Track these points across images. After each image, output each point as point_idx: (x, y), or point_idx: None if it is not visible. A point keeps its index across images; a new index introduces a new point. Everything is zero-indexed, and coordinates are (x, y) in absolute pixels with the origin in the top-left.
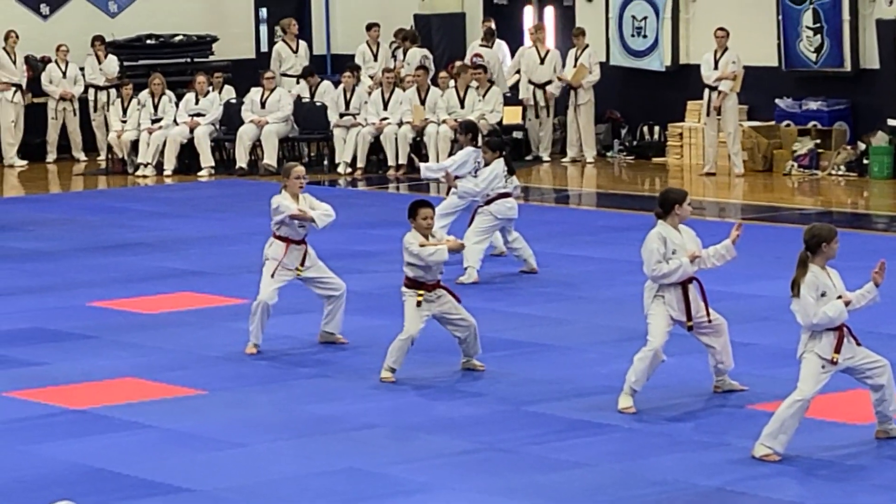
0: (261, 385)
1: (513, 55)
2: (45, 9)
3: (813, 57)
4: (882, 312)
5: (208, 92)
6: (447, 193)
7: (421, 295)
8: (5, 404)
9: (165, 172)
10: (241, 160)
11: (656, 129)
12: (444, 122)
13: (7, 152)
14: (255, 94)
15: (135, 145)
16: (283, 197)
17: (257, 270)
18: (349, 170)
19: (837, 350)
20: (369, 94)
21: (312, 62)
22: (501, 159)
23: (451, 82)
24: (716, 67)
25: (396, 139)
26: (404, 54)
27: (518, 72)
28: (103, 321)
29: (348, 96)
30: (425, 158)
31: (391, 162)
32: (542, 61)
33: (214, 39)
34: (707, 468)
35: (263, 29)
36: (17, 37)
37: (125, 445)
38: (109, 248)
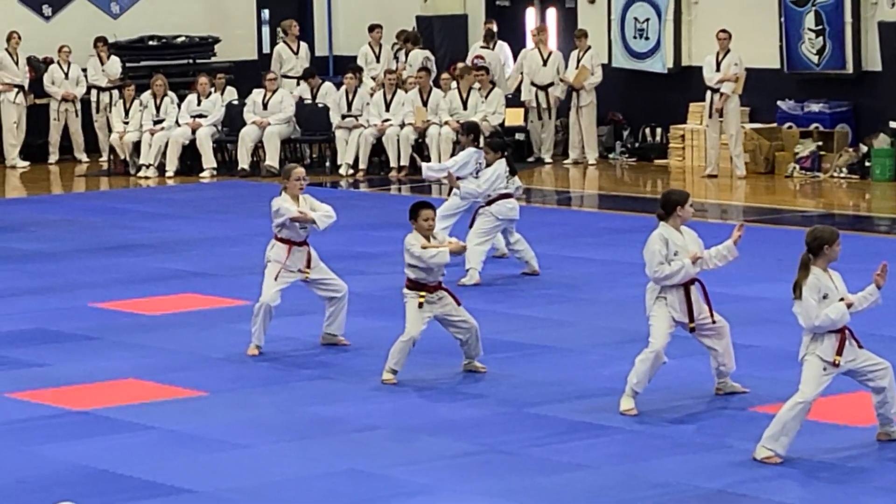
0: (263, 386)
1: (515, 57)
2: (47, 10)
3: (815, 59)
4: (884, 315)
5: (210, 93)
6: (448, 195)
7: (423, 296)
8: (7, 405)
9: (167, 174)
10: (243, 161)
11: (658, 130)
12: (446, 123)
13: (9, 153)
14: (257, 95)
15: (137, 146)
16: (284, 199)
17: (259, 272)
18: (351, 171)
19: (839, 352)
20: (371, 95)
21: (314, 63)
22: (503, 160)
23: (453, 84)
24: (718, 69)
25: (398, 141)
26: (406, 56)
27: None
28: (105, 322)
29: (350, 98)
30: (427, 159)
31: (393, 163)
32: (545, 63)
33: (216, 41)
34: (709, 470)
35: (265, 30)
36: (19, 38)
37: (127, 446)
38: (111, 249)
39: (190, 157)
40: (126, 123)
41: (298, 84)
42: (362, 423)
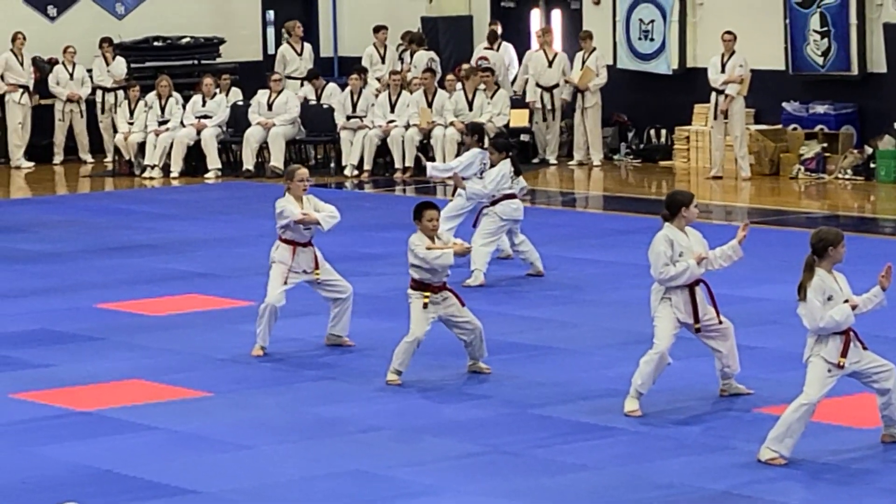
0: (267, 387)
1: (520, 58)
2: (52, 10)
3: (820, 61)
4: (889, 316)
5: (215, 94)
6: (452, 195)
7: (427, 297)
8: (12, 406)
9: (172, 174)
10: (248, 162)
11: (663, 132)
12: (451, 124)
13: (14, 154)
14: (262, 96)
15: (141, 147)
16: (287, 200)
17: (264, 273)
18: (356, 172)
19: (844, 354)
20: (376, 96)
21: (320, 64)
22: (508, 160)
23: (458, 85)
24: (723, 71)
25: (403, 142)
26: (411, 57)
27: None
28: (110, 323)
29: (355, 99)
30: (432, 160)
31: (398, 164)
32: (550, 64)
33: (221, 41)
34: (713, 472)
35: (270, 31)
36: (24, 38)
37: (131, 447)
38: (116, 249)
39: (195, 158)
40: (131, 124)
41: (302, 85)
42: (366, 423)
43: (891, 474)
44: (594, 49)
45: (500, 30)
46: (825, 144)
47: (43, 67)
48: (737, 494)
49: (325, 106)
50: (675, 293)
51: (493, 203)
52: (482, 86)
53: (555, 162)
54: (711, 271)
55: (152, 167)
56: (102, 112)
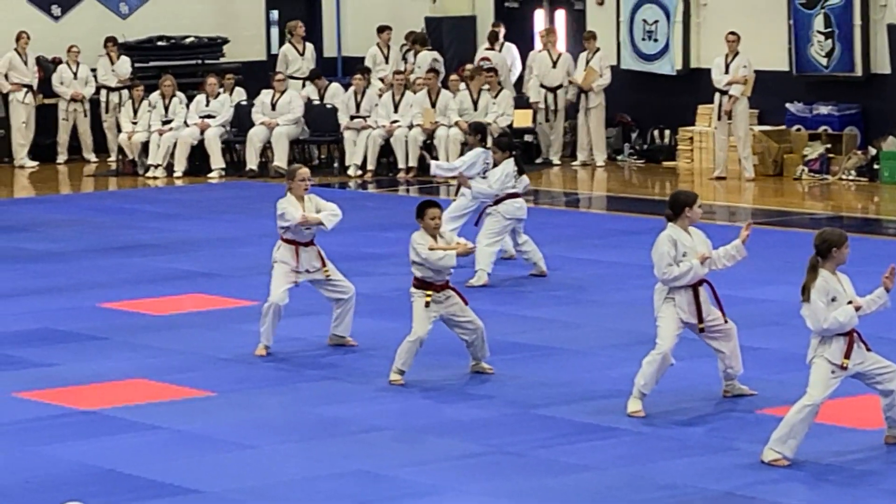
0: (270, 387)
1: (522, 58)
2: (56, 10)
3: (824, 61)
4: (892, 318)
5: (219, 94)
6: (455, 195)
7: (429, 295)
8: (15, 405)
9: (176, 174)
10: (252, 162)
11: (667, 132)
12: (455, 124)
13: (18, 153)
14: (265, 95)
15: (145, 147)
16: (288, 201)
17: (267, 272)
18: (359, 172)
19: (847, 355)
20: (380, 96)
21: (323, 64)
22: (511, 159)
23: (462, 85)
24: (727, 71)
25: (407, 142)
26: (415, 57)
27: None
28: (113, 322)
29: (359, 99)
30: (436, 159)
31: (401, 164)
32: (554, 65)
33: (225, 41)
34: (716, 472)
35: (274, 31)
36: (28, 38)
37: (134, 446)
38: (119, 249)
39: (198, 158)
40: (135, 123)
41: (304, 86)
42: (369, 423)
43: (894, 476)
44: (598, 49)
45: (502, 31)
46: (829, 145)
47: (47, 67)
48: (740, 495)
49: (328, 106)
50: (679, 293)
51: (497, 202)
52: (486, 86)
53: (558, 162)
54: (715, 271)
55: (156, 167)
56: (107, 111)
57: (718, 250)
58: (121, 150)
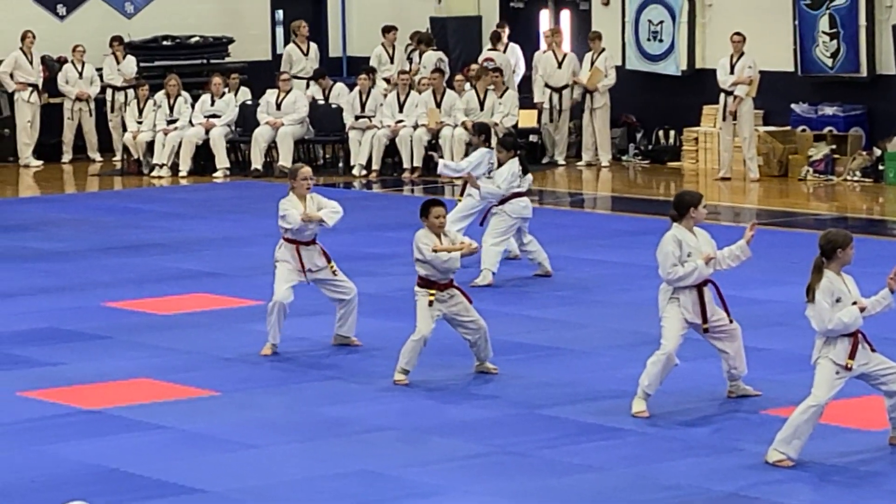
0: (274, 387)
1: (527, 58)
2: (61, 9)
3: (829, 62)
4: None
5: (224, 93)
6: (460, 195)
7: (433, 294)
8: (20, 404)
9: (181, 173)
10: (257, 162)
11: (672, 133)
12: (462, 124)
13: (23, 152)
14: (270, 95)
15: (150, 146)
16: (290, 202)
17: (272, 272)
18: (364, 172)
19: (852, 356)
20: (385, 96)
21: (329, 64)
22: (516, 158)
23: (467, 85)
24: (732, 72)
25: (411, 142)
26: (420, 57)
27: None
28: (118, 322)
29: (364, 99)
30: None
31: (406, 164)
32: (560, 65)
33: (230, 41)
34: (720, 473)
35: (279, 31)
36: (33, 37)
37: (138, 446)
38: (124, 248)
39: (203, 157)
40: (140, 123)
41: (308, 86)
42: (373, 423)
43: None
44: (603, 50)
45: (506, 31)
46: (834, 146)
47: (52, 66)
48: (744, 496)
49: (333, 106)
50: (684, 293)
51: (502, 202)
52: (491, 86)
53: (563, 162)
54: (719, 272)
55: (161, 166)
56: (112, 111)
57: (723, 251)
58: (126, 149)
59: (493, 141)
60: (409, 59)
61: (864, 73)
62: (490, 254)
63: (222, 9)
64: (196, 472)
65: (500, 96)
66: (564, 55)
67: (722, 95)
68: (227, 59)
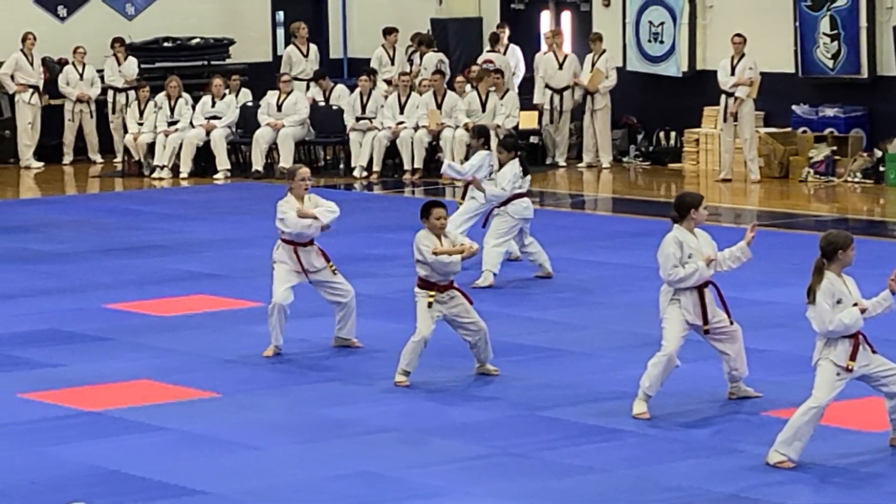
0: (275, 388)
1: (527, 60)
2: (62, 11)
3: (830, 64)
4: None
5: (225, 95)
6: (461, 198)
7: (432, 296)
8: (21, 406)
9: (181, 175)
10: (258, 163)
11: (672, 134)
12: (464, 125)
13: (24, 154)
14: (271, 97)
15: (151, 148)
16: (288, 203)
17: (271, 273)
18: (365, 173)
19: (853, 357)
20: (385, 98)
21: (329, 66)
22: (516, 159)
23: (468, 87)
24: (732, 73)
25: (412, 143)
26: (420, 58)
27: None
28: (118, 323)
29: (365, 100)
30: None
31: (407, 166)
32: (561, 66)
33: (231, 42)
34: (721, 475)
35: (280, 32)
36: (34, 39)
37: (140, 447)
38: (125, 250)
39: (204, 159)
40: (140, 124)
41: (308, 87)
42: (374, 425)
43: None
44: (604, 51)
45: (506, 33)
46: (834, 147)
47: (53, 68)
48: (745, 497)
49: (334, 107)
50: (685, 295)
51: (504, 203)
52: (492, 87)
53: (564, 164)
54: (720, 273)
55: (161, 168)
56: (114, 112)
57: (724, 252)
58: (126, 150)
59: (492, 144)
60: (410, 61)
61: (864, 74)
62: (491, 255)
63: (223, 10)
64: (197, 473)
65: (501, 98)
66: (565, 56)
67: (723, 97)
68: (228, 61)
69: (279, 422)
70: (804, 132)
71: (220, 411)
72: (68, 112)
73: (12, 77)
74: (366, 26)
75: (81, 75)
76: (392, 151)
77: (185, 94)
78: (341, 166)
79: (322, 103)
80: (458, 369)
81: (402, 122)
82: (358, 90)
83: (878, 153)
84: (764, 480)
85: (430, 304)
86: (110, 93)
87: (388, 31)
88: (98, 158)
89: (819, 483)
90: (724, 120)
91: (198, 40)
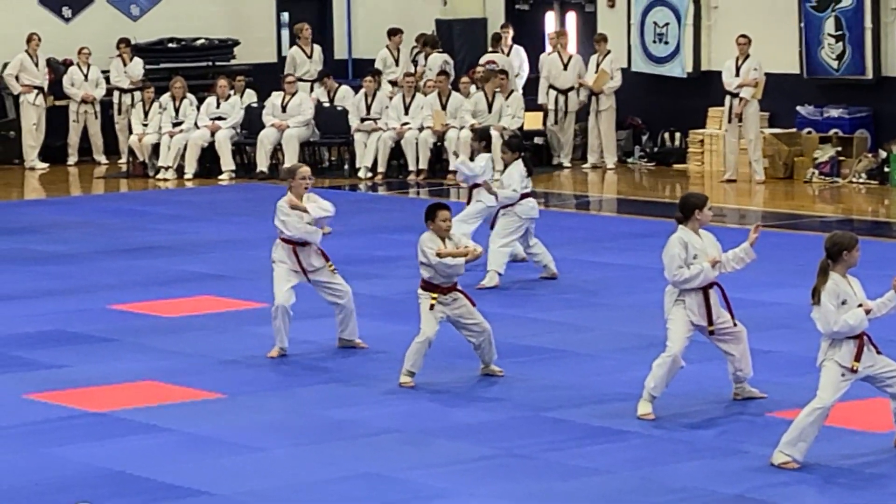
0: (279, 389)
1: (531, 61)
2: (67, 12)
3: (835, 64)
4: None
5: (229, 96)
6: (468, 201)
7: (434, 298)
8: (26, 407)
9: (186, 176)
10: (262, 164)
11: (677, 135)
12: (470, 126)
13: (28, 155)
14: (276, 97)
15: (156, 148)
16: (289, 202)
17: (271, 274)
18: (370, 174)
19: (857, 358)
20: (390, 98)
21: (334, 66)
22: (520, 160)
23: (473, 87)
24: (737, 74)
25: (417, 144)
26: (425, 59)
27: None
28: (123, 324)
29: (369, 101)
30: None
31: (412, 167)
32: (566, 67)
33: (236, 43)
34: (726, 476)
35: (285, 33)
36: (39, 39)
37: (144, 448)
38: (130, 251)
39: (209, 160)
40: (145, 125)
41: (312, 88)
42: (378, 426)
43: None
44: (609, 52)
45: (510, 34)
46: (839, 148)
47: (57, 68)
48: (750, 498)
49: (338, 108)
50: (689, 295)
51: (511, 203)
52: (498, 88)
53: (569, 165)
54: (725, 274)
55: (166, 168)
56: (119, 113)
57: (727, 253)
58: (131, 151)
59: (493, 146)
60: (415, 62)
61: (869, 75)
62: (497, 255)
63: (228, 11)
64: (201, 474)
65: (507, 98)
66: (570, 57)
67: (727, 97)
68: (233, 62)
69: (283, 423)
70: (809, 133)
71: (225, 412)
72: (73, 113)
73: (17, 78)
74: (370, 27)
75: (86, 76)
76: (397, 152)
77: (189, 95)
78: (346, 167)
79: (327, 104)
80: (462, 370)
81: (406, 123)
82: (363, 91)
83: (883, 154)
84: (769, 481)
85: (432, 307)
86: (116, 93)
87: (393, 32)
88: (103, 159)
89: (824, 484)
90: (729, 121)
91: (202, 41)
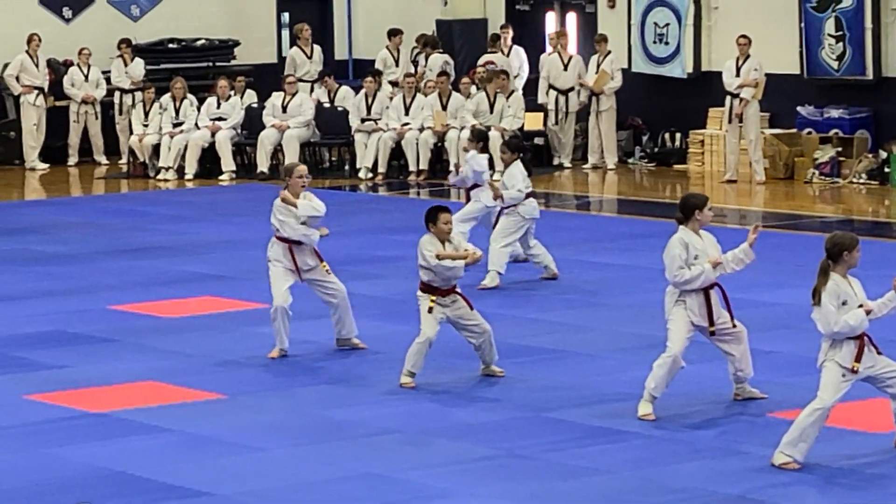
0: (280, 390)
1: (531, 61)
2: (67, 12)
3: (835, 65)
4: None
5: (230, 96)
6: (467, 200)
7: (433, 300)
8: (26, 407)
9: (187, 176)
10: (263, 164)
11: (678, 135)
12: (472, 126)
13: (29, 155)
14: (276, 98)
15: (156, 149)
16: (281, 197)
17: (267, 273)
18: (370, 175)
19: (858, 359)
20: (391, 99)
21: (335, 67)
22: (519, 160)
23: (473, 88)
24: (738, 75)
25: (417, 144)
26: (426, 60)
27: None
28: (124, 325)
29: (370, 101)
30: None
31: (412, 167)
32: (566, 67)
33: (236, 44)
34: (726, 476)
35: (285, 34)
36: (39, 40)
37: (145, 449)
38: (130, 251)
39: (209, 160)
40: (145, 126)
41: (312, 89)
42: (378, 426)
43: None
44: (609, 52)
45: (509, 34)
46: (840, 149)
47: (58, 69)
48: (750, 499)
49: (339, 108)
50: (690, 296)
51: (515, 203)
52: (499, 89)
53: (569, 165)
54: (725, 275)
55: (167, 169)
56: (121, 113)
57: (727, 254)
58: (132, 152)
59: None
60: (415, 62)
61: (869, 75)
62: (498, 255)
63: (228, 11)
64: (202, 475)
65: (507, 98)
66: (570, 57)
67: (728, 98)
68: (233, 62)
69: (283, 423)
70: (809, 133)
71: (225, 413)
72: (73, 113)
73: (17, 78)
74: (371, 28)
75: (86, 77)
76: (397, 153)
77: (190, 96)
78: (346, 168)
79: (327, 104)
80: (462, 370)
81: (407, 124)
82: (363, 91)
83: (883, 154)
84: (769, 482)
85: (430, 309)
86: (116, 94)
87: (393, 33)
88: (103, 160)
89: (824, 484)
90: (730, 121)
91: (203, 42)
